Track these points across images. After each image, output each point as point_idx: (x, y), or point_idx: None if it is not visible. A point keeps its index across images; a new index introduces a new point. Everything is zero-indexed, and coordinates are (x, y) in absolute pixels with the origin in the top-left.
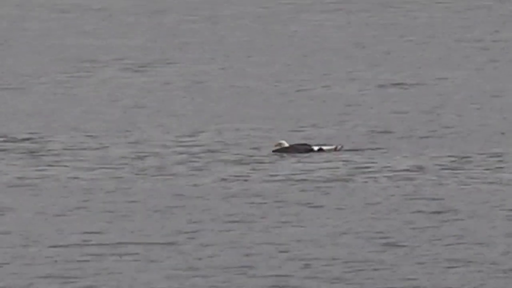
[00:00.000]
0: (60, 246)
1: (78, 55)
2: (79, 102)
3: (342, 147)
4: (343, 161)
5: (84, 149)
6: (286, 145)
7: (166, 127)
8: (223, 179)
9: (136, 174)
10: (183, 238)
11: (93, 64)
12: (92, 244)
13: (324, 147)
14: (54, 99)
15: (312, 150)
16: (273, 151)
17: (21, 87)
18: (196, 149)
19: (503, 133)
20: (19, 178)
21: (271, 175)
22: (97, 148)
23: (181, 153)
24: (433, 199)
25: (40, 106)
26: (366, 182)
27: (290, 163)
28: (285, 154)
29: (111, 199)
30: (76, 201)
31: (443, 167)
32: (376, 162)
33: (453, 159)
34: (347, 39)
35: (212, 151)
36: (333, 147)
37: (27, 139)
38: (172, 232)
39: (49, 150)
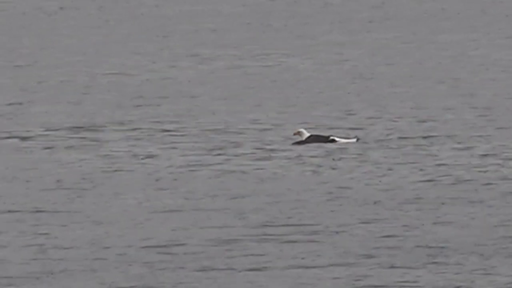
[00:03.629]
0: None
1: None
2: None
3: (358, 139)
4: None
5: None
6: (306, 134)
7: None
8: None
9: None
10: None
11: None
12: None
13: (337, 139)
14: None
15: (333, 141)
16: (293, 144)
17: None
18: None
19: None
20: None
21: None
22: None
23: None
24: None
25: None
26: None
27: None
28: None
29: None
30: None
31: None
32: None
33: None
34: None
35: None
36: (344, 140)
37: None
38: None
39: None
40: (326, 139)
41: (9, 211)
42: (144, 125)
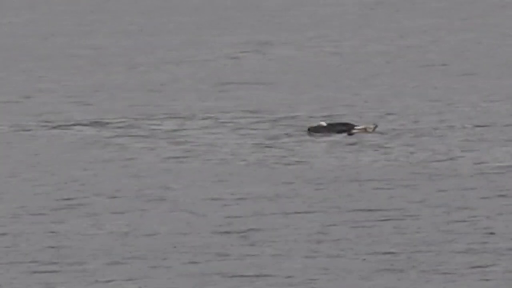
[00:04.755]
0: None
1: None
2: None
3: (376, 127)
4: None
5: None
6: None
7: None
8: None
9: None
10: None
11: None
12: None
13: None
14: None
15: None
16: (309, 129)
17: None
18: None
19: None
20: None
21: None
22: None
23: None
24: None
25: None
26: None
27: None
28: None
29: None
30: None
31: None
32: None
33: None
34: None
35: None
36: (363, 126)
37: None
38: None
39: None
40: (344, 127)
41: (89, 197)
42: (223, 113)
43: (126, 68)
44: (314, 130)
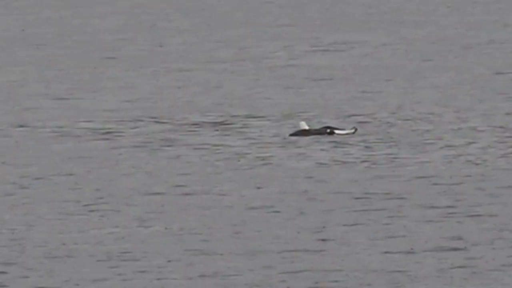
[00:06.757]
0: None
1: None
2: None
3: (356, 130)
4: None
5: None
6: (306, 127)
7: None
8: None
9: None
10: None
11: None
12: None
13: (337, 131)
14: None
15: (332, 133)
16: (290, 135)
17: None
18: None
19: None
20: None
21: None
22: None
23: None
24: None
25: None
26: None
27: None
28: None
29: None
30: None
31: None
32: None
33: None
34: None
35: None
36: (347, 131)
37: None
38: None
39: None
40: (324, 131)
41: (151, 193)
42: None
43: (182, 66)
44: (296, 135)
